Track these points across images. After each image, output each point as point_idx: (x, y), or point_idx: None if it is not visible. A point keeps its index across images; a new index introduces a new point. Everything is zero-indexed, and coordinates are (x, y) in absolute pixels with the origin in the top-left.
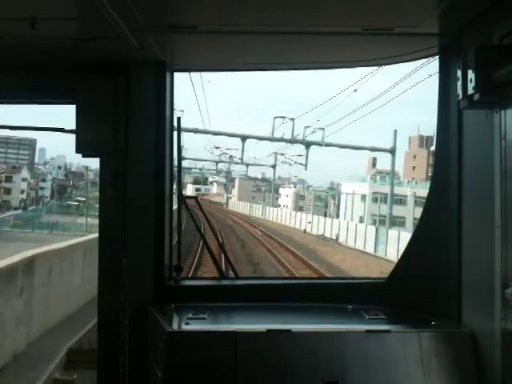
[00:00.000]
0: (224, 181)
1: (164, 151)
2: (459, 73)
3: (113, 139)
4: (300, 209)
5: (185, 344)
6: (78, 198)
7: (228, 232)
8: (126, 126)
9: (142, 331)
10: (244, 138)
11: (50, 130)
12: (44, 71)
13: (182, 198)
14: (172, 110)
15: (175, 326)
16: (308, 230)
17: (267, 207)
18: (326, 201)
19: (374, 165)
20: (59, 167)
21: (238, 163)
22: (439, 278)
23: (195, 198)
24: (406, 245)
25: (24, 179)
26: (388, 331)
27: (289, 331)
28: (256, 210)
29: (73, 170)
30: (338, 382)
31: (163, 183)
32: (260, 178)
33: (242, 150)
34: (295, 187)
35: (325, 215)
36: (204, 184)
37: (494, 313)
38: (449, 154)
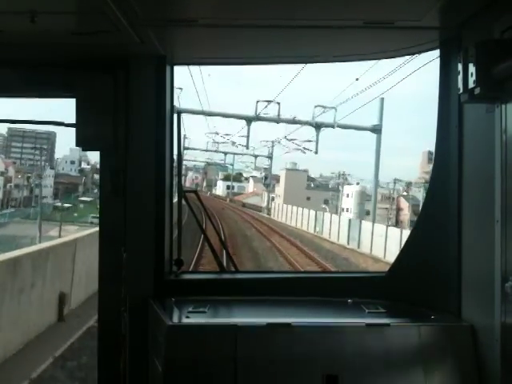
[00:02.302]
0: (263, 175)
1: (164, 145)
2: (460, 67)
3: (113, 133)
4: (367, 214)
5: (185, 337)
6: (83, 199)
7: None
8: (126, 121)
9: (142, 325)
10: None
11: (50, 123)
12: (44, 66)
13: (182, 192)
14: (172, 104)
15: (175, 320)
16: None
17: (361, 221)
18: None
19: (430, 160)
20: (72, 162)
21: (302, 123)
22: (439, 272)
23: (195, 191)
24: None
25: None
26: (388, 325)
27: (289, 325)
28: (329, 226)
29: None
30: (338, 376)
31: (163, 177)
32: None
33: None
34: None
35: None
36: (237, 181)
37: (494, 307)
38: (449, 148)
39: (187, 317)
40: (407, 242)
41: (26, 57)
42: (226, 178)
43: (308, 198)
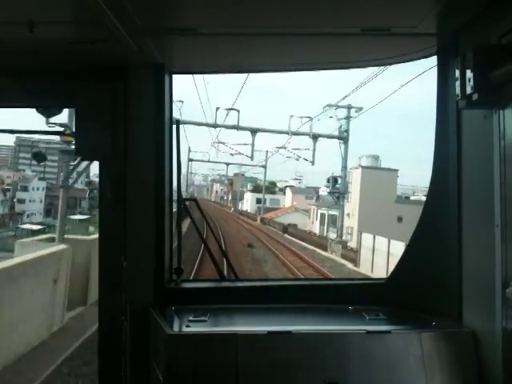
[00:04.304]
0: (301, 186)
1: (164, 154)
2: (458, 73)
3: (112, 142)
4: None
5: (185, 346)
6: (76, 217)
7: None
8: (125, 129)
9: (142, 334)
10: None
11: (50, 133)
12: (43, 75)
13: (182, 201)
14: (171, 112)
15: (176, 329)
16: None
17: None
18: None
19: None
20: (79, 173)
21: None
22: (439, 277)
23: (195, 199)
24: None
25: None
26: (389, 332)
27: (289, 333)
28: None
29: None
30: None
31: (163, 185)
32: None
33: None
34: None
35: None
36: (270, 192)
37: (495, 312)
38: (448, 154)
39: (187, 326)
40: (407, 248)
41: (25, 67)
42: (256, 190)
43: (400, 219)
